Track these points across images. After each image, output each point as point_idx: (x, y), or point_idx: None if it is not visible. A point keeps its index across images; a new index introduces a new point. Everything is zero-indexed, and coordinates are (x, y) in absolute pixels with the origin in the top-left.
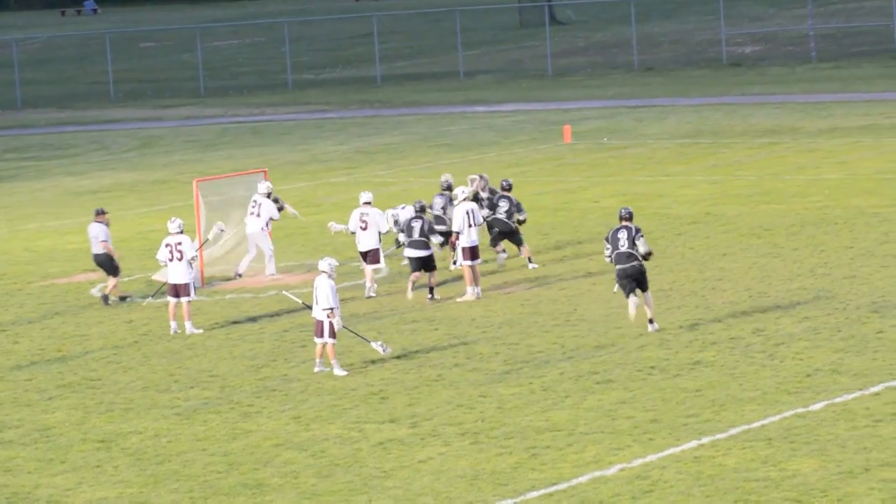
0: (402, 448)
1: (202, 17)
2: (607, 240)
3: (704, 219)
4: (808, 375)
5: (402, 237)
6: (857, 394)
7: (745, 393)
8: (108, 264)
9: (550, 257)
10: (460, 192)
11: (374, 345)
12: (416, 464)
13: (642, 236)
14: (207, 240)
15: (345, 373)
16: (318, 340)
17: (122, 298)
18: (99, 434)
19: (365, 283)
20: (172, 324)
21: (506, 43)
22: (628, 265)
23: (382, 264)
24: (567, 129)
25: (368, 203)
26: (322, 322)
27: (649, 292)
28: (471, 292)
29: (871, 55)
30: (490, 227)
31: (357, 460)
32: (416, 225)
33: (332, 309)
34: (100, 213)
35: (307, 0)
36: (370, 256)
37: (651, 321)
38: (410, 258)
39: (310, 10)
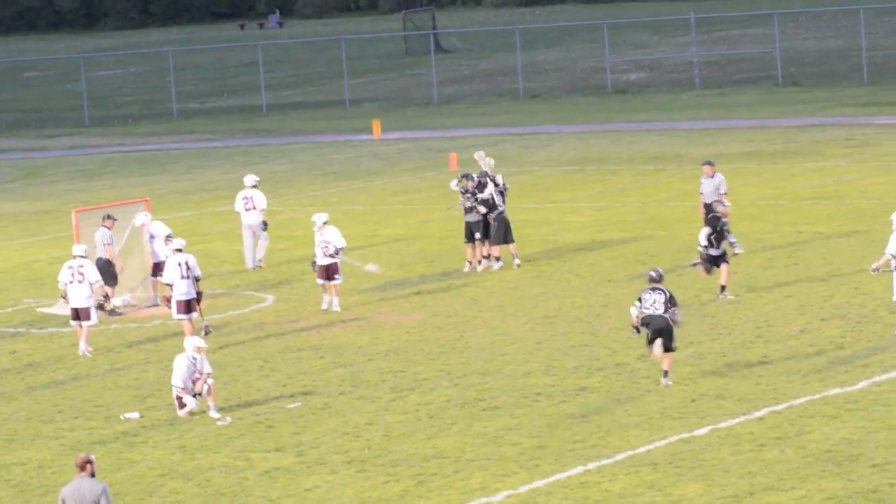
0: (289, 477)
1: (86, 46)
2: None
3: (590, 245)
4: (693, 400)
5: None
6: (742, 418)
7: (630, 419)
8: (105, 270)
9: (436, 286)
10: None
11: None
12: (303, 492)
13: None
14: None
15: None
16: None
17: (111, 312)
18: None
19: (324, 298)
20: (82, 344)
21: (391, 71)
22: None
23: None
24: (453, 156)
25: (326, 223)
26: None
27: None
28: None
29: (753, 82)
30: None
31: (243, 489)
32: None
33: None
34: (106, 217)
35: (192, 29)
36: (329, 270)
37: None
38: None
39: (194, 38)
